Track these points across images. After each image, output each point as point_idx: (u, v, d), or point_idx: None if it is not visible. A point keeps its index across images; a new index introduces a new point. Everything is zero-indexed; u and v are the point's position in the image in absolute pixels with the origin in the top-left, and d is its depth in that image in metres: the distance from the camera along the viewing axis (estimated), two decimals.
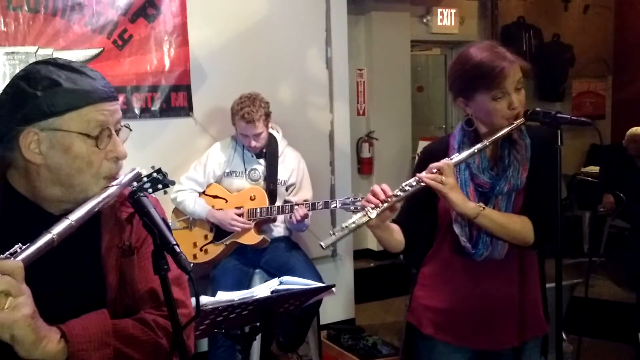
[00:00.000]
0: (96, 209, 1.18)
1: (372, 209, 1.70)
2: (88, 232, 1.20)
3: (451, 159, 1.77)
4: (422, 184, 1.74)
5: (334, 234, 1.68)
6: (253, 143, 3.29)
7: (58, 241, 1.08)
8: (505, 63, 1.76)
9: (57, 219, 1.19)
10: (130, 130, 1.29)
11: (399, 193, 1.73)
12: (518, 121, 1.78)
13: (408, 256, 2.08)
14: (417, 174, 1.76)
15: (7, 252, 1.05)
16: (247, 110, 3.20)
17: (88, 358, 1.14)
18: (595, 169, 5.95)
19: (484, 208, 1.79)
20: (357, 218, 1.70)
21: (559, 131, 1.68)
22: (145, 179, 2.93)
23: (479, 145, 1.79)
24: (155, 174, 2.96)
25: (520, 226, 1.82)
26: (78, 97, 1.17)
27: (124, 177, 1.25)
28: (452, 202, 1.76)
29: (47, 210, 1.25)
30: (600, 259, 5.65)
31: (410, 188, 1.74)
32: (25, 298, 1.05)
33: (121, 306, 1.28)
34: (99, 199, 1.19)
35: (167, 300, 1.14)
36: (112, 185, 1.22)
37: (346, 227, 1.68)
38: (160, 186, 2.97)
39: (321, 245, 1.68)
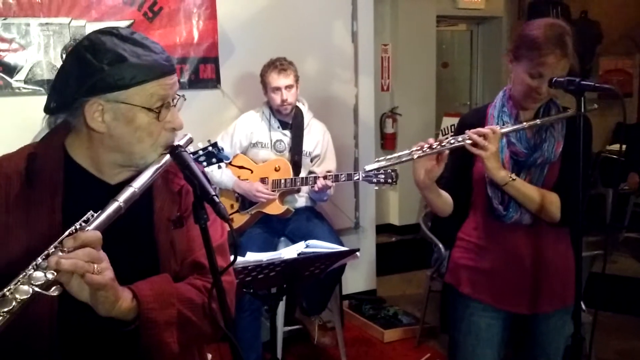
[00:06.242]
0: (155, 176, 1.24)
1: (418, 150, 1.84)
2: (141, 204, 1.25)
3: (500, 128, 1.88)
4: (468, 141, 1.85)
5: (377, 161, 1.88)
6: (285, 95, 3.33)
7: (124, 208, 1.16)
8: (558, 51, 1.81)
9: (114, 188, 1.28)
10: (185, 99, 1.33)
11: (445, 144, 1.85)
12: (571, 111, 1.88)
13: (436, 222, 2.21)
14: (467, 131, 1.87)
15: (81, 220, 1.14)
16: (280, 62, 3.35)
17: (155, 317, 1.22)
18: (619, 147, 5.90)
19: (514, 179, 1.89)
20: (402, 153, 1.86)
21: (582, 98, 1.72)
22: (200, 152, 2.99)
23: (530, 122, 1.89)
24: (210, 148, 3.02)
25: (546, 201, 1.91)
26: (142, 73, 1.21)
27: (178, 143, 1.30)
28: (486, 166, 1.88)
29: (104, 180, 1.32)
30: (623, 236, 5.64)
31: (457, 142, 1.86)
32: (106, 264, 1.13)
33: (170, 273, 1.34)
34: (157, 166, 1.25)
35: (207, 249, 1.21)
36: (168, 152, 1.28)
37: (390, 157, 1.86)
38: (214, 160, 3.03)
39: (364, 169, 1.93)
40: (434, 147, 1.83)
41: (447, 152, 1.84)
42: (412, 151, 1.83)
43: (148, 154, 1.27)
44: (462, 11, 6.49)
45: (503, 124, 1.95)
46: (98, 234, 1.12)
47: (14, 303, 1.05)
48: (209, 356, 3.33)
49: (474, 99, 7.20)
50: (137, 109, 1.23)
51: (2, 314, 1.04)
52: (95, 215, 1.14)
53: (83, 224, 1.13)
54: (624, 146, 5.17)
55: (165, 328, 1.24)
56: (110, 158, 1.29)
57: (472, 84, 7.23)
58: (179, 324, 1.26)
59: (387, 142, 6.08)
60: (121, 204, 1.15)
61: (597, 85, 1.75)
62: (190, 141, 1.32)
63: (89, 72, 1.20)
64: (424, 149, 1.82)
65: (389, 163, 1.85)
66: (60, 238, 1.11)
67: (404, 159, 1.83)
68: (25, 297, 1.05)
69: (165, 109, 1.27)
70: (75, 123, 1.28)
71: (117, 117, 1.23)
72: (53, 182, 1.28)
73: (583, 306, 3.10)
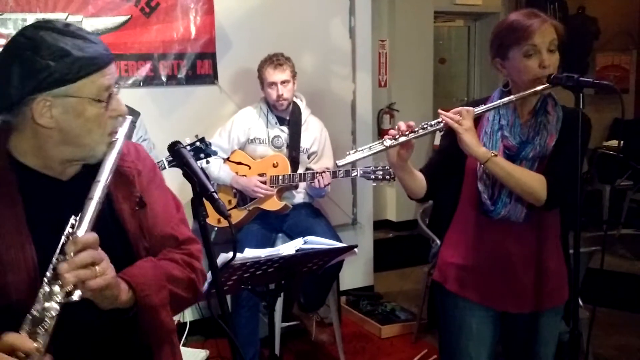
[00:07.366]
0: (115, 163, 1.26)
1: (389, 139, 1.82)
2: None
3: (474, 109, 1.87)
4: (442, 122, 1.84)
5: (349, 154, 1.83)
6: (281, 90, 3.34)
7: (101, 203, 1.18)
8: (536, 20, 1.83)
9: (67, 184, 1.29)
10: (119, 87, 1.33)
11: (418, 130, 1.84)
12: (548, 84, 1.83)
13: (433, 218, 2.17)
14: (439, 111, 1.87)
15: (68, 227, 1.15)
16: (277, 57, 3.36)
17: (152, 302, 1.27)
18: (616, 143, 5.93)
19: (495, 155, 1.85)
20: (373, 144, 1.83)
21: (580, 94, 1.72)
22: (188, 147, 2.98)
23: (504, 99, 1.87)
24: (198, 143, 3.02)
25: (531, 180, 1.86)
26: (87, 65, 1.21)
27: (122, 128, 1.32)
28: (465, 143, 1.84)
29: (56, 177, 1.31)
30: (619, 232, 5.66)
31: (430, 127, 1.84)
32: (106, 262, 1.17)
33: (143, 251, 1.37)
34: (114, 154, 1.26)
35: (206, 246, 1.22)
36: (116, 139, 1.29)
37: (361, 150, 1.82)
38: (202, 155, 3.02)
39: (336, 164, 1.85)
40: (405, 133, 1.81)
41: (413, 140, 1.84)
42: (383, 140, 1.82)
43: (97, 145, 1.27)
44: (460, 7, 6.50)
45: (500, 118, 1.93)
46: (95, 235, 1.15)
47: (47, 321, 1.10)
48: (207, 352, 3.34)
49: (471, 95, 7.21)
50: (86, 101, 1.23)
51: (41, 332, 1.09)
52: (79, 217, 1.16)
53: (71, 230, 1.15)
54: (621, 142, 5.19)
55: (162, 309, 1.29)
56: (59, 153, 1.27)
57: (469, 80, 7.23)
58: (171, 302, 1.32)
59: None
60: (97, 199, 1.17)
61: (595, 81, 1.75)
62: (133, 122, 1.33)
63: (33, 70, 1.18)
64: (396, 137, 1.81)
65: (362, 155, 1.81)
66: (59, 247, 1.13)
67: (376, 150, 1.81)
68: (55, 313, 1.10)
69: (111, 98, 1.27)
70: (17, 122, 1.25)
71: (67, 111, 1.22)
72: (8, 189, 1.25)
73: (580, 302, 3.12)
